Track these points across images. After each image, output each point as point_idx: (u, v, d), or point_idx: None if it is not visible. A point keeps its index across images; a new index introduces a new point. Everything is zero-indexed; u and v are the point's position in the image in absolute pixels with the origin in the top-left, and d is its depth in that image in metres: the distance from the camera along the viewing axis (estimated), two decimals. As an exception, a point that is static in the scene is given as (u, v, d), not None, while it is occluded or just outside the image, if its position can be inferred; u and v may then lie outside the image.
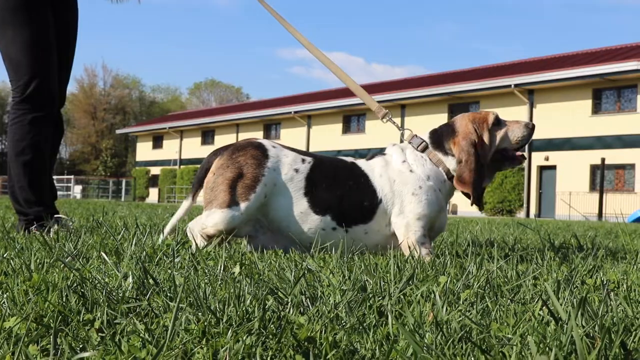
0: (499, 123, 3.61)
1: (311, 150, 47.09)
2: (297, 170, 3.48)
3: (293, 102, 51.20)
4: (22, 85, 4.12)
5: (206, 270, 2.41)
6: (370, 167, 3.58)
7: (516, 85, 36.04)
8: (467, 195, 3.54)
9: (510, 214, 36.14)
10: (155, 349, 1.31)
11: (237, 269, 2.44)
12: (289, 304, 1.76)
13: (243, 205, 3.36)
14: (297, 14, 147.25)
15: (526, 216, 35.24)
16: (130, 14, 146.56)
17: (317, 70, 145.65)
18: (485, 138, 3.54)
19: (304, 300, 1.82)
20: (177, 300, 1.37)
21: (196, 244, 3.29)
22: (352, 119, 46.54)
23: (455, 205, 39.28)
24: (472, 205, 3.54)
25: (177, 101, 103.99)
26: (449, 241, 4.55)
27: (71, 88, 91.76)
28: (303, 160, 3.53)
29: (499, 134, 3.58)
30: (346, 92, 46.38)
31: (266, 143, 3.57)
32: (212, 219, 3.39)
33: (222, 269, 2.40)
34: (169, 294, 1.85)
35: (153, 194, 60.75)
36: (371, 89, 46.20)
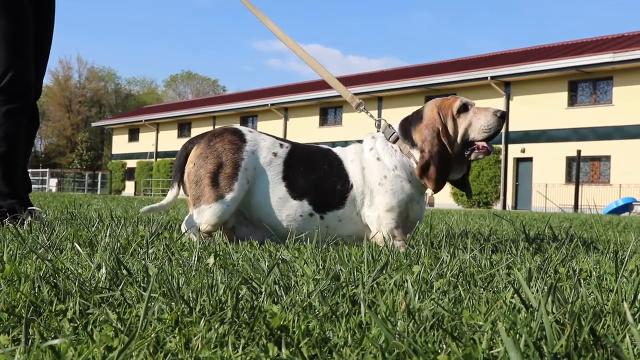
0: (465, 109, 3.43)
1: (288, 142, 46.87)
2: (275, 154, 3.48)
3: (270, 95, 51.12)
4: None
5: (180, 261, 2.41)
6: (344, 153, 3.58)
7: (492, 78, 36.18)
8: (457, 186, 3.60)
9: (486, 206, 36.32)
10: (127, 338, 1.31)
11: (211, 260, 2.44)
12: (263, 293, 1.76)
13: (229, 197, 3.36)
14: (272, 5, 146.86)
15: (503, 208, 35.44)
16: (105, 6, 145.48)
17: (292, 62, 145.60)
18: (450, 126, 3.41)
19: (277, 289, 1.82)
20: (149, 289, 1.37)
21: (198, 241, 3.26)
22: (329, 111, 46.53)
23: (432, 197, 39.38)
24: (433, 193, 3.52)
25: (153, 94, 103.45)
26: (424, 232, 4.57)
27: (46, 80, 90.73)
28: (281, 145, 3.54)
29: (464, 122, 3.41)
30: (323, 85, 46.34)
31: (243, 128, 3.57)
32: (203, 217, 3.39)
33: (196, 259, 2.40)
34: (142, 284, 1.85)
35: (129, 187, 60.47)
36: (348, 81, 46.18)
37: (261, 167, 3.45)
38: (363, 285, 1.82)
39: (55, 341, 1.09)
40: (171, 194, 3.65)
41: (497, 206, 36.30)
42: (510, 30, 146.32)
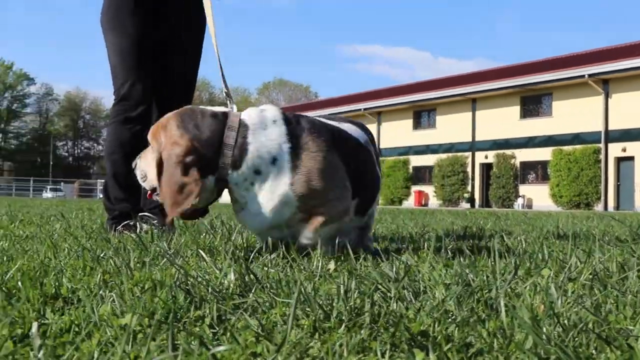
0: None
1: (382, 147, 47.04)
2: None
3: (362, 99, 51.14)
4: (117, 88, 4.35)
5: (301, 267, 2.42)
6: None
7: (590, 75, 35.32)
8: None
9: (587, 207, 35.45)
10: (270, 344, 1.31)
11: (332, 265, 2.44)
12: (392, 298, 1.75)
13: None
14: (360, 10, 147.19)
15: (604, 209, 34.53)
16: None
17: (380, 66, 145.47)
18: None
19: (406, 294, 1.81)
20: (297, 294, 1.37)
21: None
22: (423, 114, 46.28)
23: (530, 199, 38.73)
24: None
25: (247, 102, 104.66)
26: (534, 234, 4.48)
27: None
28: None
29: None
30: (417, 88, 46.17)
31: None
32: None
33: (319, 265, 2.40)
34: (272, 290, 1.86)
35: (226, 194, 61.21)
36: (440, 83, 45.87)
37: None
38: (497, 290, 1.78)
39: (220, 348, 1.10)
40: None
41: (598, 207, 35.38)
42: (607, 25, 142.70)
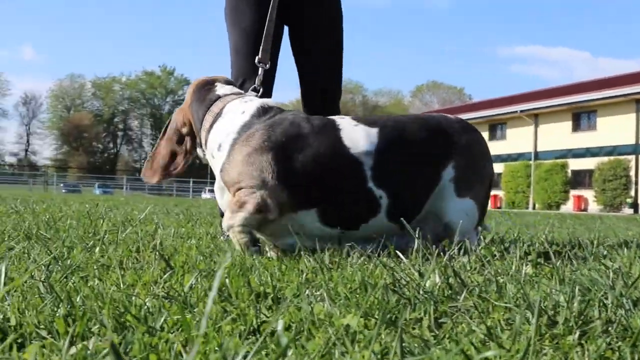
0: None
1: (539, 150, 45.99)
2: None
3: (518, 101, 50.01)
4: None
5: (499, 270, 2.36)
6: None
7: None
8: None
9: None
10: (499, 348, 1.27)
11: (529, 269, 2.37)
12: (610, 305, 1.67)
13: None
14: (516, 8, 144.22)
15: None
16: (350, 18, 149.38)
17: (536, 67, 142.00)
18: None
19: (625, 302, 1.72)
20: (538, 303, 1.32)
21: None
22: (582, 116, 44.75)
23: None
24: None
25: (400, 104, 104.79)
26: None
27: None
28: None
29: None
30: (575, 89, 44.77)
31: None
32: None
33: (515, 267, 2.34)
34: (481, 295, 1.81)
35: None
36: (600, 84, 44.23)
37: None
38: None
39: (488, 353, 1.07)
40: None
41: None
42: None
